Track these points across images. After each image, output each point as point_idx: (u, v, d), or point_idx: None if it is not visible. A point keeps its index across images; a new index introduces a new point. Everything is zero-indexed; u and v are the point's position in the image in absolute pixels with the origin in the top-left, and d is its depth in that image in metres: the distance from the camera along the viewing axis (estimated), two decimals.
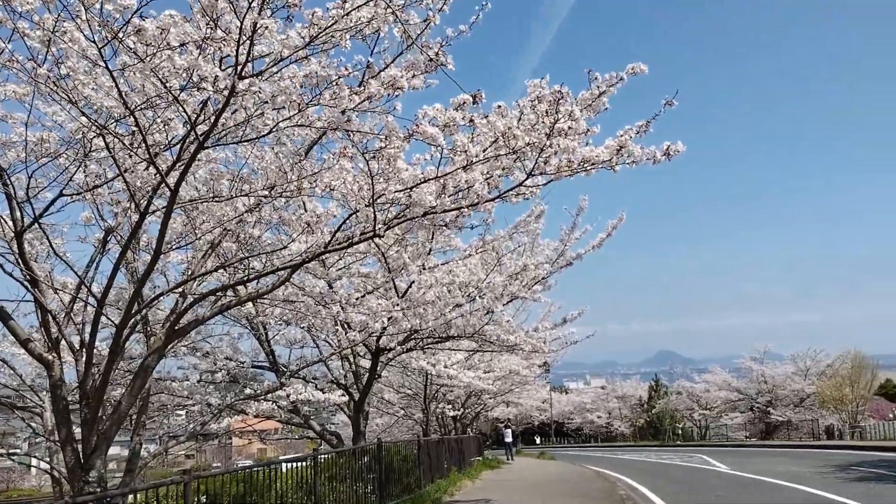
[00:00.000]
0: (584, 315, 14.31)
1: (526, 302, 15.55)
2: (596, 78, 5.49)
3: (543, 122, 4.80)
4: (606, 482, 20.56)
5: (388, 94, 4.63)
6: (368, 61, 4.49)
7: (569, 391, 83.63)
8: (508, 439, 36.46)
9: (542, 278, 12.41)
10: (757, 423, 49.77)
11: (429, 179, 5.32)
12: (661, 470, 25.52)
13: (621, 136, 5.05)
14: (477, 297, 10.44)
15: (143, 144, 4.92)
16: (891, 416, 41.54)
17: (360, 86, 4.53)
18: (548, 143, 4.88)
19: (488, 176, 5.36)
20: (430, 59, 4.45)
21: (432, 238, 10.59)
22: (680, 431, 56.36)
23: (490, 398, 34.30)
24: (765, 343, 50.88)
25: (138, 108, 4.97)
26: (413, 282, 10.37)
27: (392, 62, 5.18)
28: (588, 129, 4.95)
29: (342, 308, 8.93)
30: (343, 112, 4.66)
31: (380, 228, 5.61)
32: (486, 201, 5.34)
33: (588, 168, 5.10)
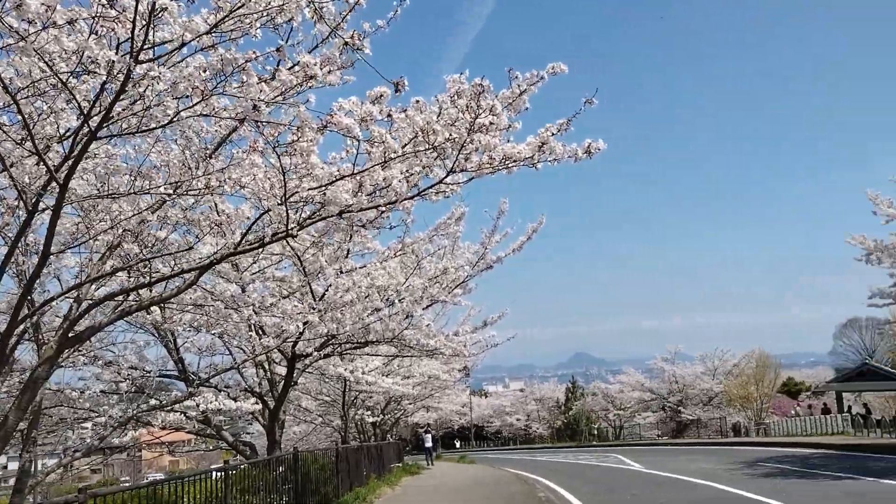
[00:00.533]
0: (504, 318, 14.30)
1: (446, 306, 15.43)
2: (516, 77, 5.39)
3: (464, 117, 4.64)
4: (525, 485, 20.63)
5: (301, 86, 4.36)
6: (279, 44, 4.20)
7: (488, 394, 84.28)
8: (428, 444, 36.34)
9: (463, 281, 12.30)
10: (668, 422, 51.29)
11: (345, 176, 5.07)
12: (578, 471, 25.86)
13: (543, 133, 4.94)
14: (396, 301, 10.21)
15: (30, 136, 4.49)
16: (792, 412, 43.49)
17: (272, 79, 4.25)
18: (468, 139, 4.73)
19: (408, 174, 5.16)
20: (346, 44, 4.20)
21: (350, 240, 10.31)
22: (596, 432, 57.50)
23: (410, 403, 34.08)
24: (675, 344, 52.62)
25: (24, 95, 4.53)
26: (330, 285, 10.06)
27: (309, 53, 4.93)
28: (510, 126, 4.82)
29: (255, 312, 8.55)
30: (254, 105, 4.36)
31: (293, 228, 5.32)
32: (405, 199, 5.13)
33: (510, 165, 4.97)
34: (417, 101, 5.14)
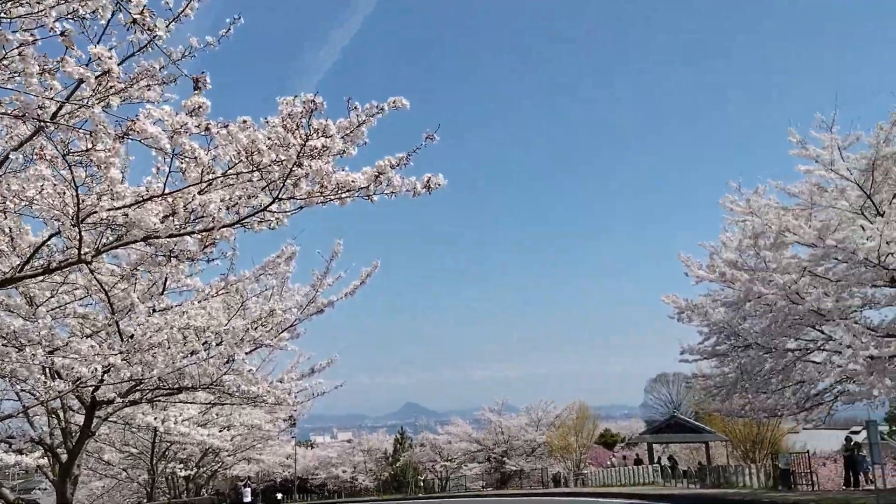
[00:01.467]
0: (334, 365, 13.69)
1: (272, 351, 14.59)
2: (356, 107, 5.04)
3: (294, 137, 4.19)
4: None
5: (101, 86, 3.74)
6: (64, 29, 3.56)
7: (315, 445, 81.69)
8: (247, 499, 34.38)
9: (291, 325, 11.60)
10: (493, 472, 51.90)
11: (153, 197, 4.44)
12: None
13: (380, 164, 4.59)
14: (214, 344, 9.36)
15: None
16: (608, 462, 45.45)
17: (56, 71, 3.59)
18: (298, 162, 4.28)
19: (229, 200, 4.59)
20: (134, 21, 3.65)
21: (166, 281, 9.43)
22: (422, 483, 57.06)
23: (229, 455, 32.03)
24: (503, 396, 53.62)
25: None
26: (140, 324, 9.06)
27: (124, 61, 4.30)
28: (343, 151, 4.42)
29: (48, 352, 7.45)
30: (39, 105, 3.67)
31: (86, 254, 4.57)
32: (224, 226, 4.56)
33: (343, 196, 4.57)
34: (245, 121, 4.64)
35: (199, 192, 4.37)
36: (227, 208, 4.44)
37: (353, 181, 4.49)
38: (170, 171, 4.34)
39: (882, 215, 17.34)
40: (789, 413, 21.19)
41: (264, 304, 10.83)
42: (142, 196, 4.45)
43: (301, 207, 4.66)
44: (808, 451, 27.89)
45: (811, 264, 17.81)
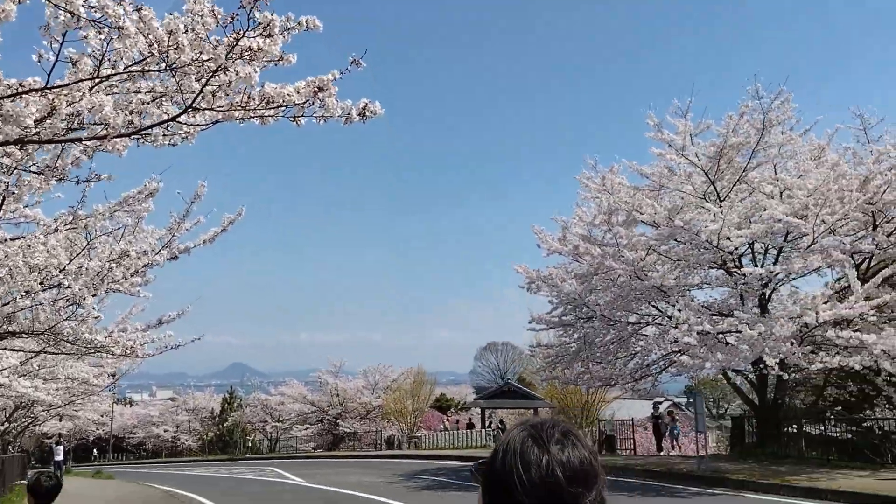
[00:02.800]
0: (185, 317, 12.73)
1: (104, 300, 13.30)
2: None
3: (224, 31, 3.52)
4: (179, 503, 18.76)
5: None
6: None
7: (133, 403, 77.54)
8: (59, 457, 31.81)
9: (143, 269, 10.55)
10: (325, 434, 51.59)
11: (32, 90, 3.61)
12: (235, 485, 24.36)
13: (322, 78, 3.99)
14: (65, 283, 8.25)
15: None
16: (441, 426, 46.45)
17: None
18: (224, 66, 3.62)
19: (130, 107, 3.83)
20: None
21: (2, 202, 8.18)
22: (250, 444, 55.74)
23: (44, 411, 29.44)
24: (340, 358, 53.24)
25: None
26: None
27: None
28: (282, 57, 3.80)
29: None
30: None
31: None
32: (119, 136, 3.81)
33: (266, 114, 3.95)
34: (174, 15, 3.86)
35: (91, 88, 3.60)
36: (127, 114, 3.69)
37: (287, 95, 3.89)
38: (56, 61, 3.53)
39: (723, 201, 18.56)
40: (624, 382, 22.46)
41: (115, 244, 9.73)
42: (14, 89, 3.60)
43: (217, 122, 3.99)
44: (632, 419, 29.82)
45: (657, 243, 18.77)
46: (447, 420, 49.09)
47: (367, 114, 4.16)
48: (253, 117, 3.95)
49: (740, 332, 16.66)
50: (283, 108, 3.98)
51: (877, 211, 17.61)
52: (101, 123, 3.68)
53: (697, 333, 16.50)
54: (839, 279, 23.31)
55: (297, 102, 3.92)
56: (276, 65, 3.79)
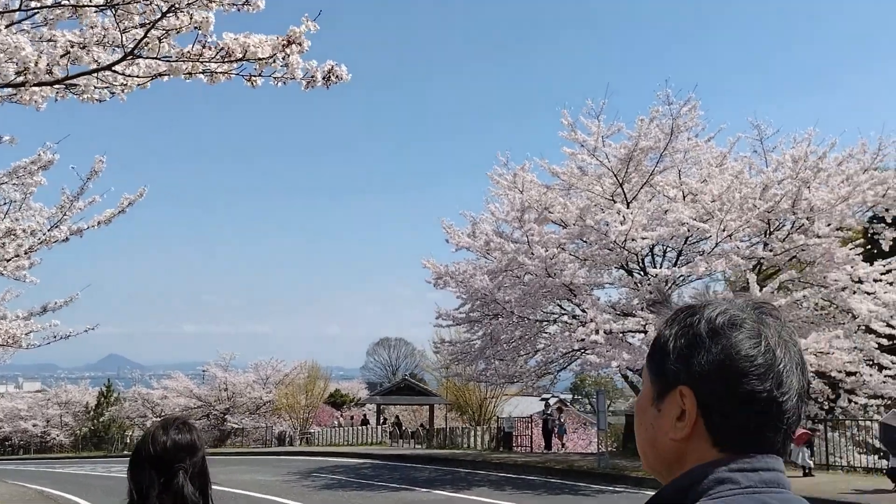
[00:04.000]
0: (72, 305, 11.65)
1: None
2: None
3: None
4: None
5: None
6: None
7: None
8: None
9: (28, 251, 9.51)
10: (212, 430, 49.60)
11: None
12: (115, 485, 22.82)
13: (294, 30, 3.44)
14: None
15: None
16: (335, 423, 45.54)
17: None
18: (175, 6, 3.02)
19: (57, 51, 3.16)
20: None
21: None
22: (128, 440, 52.91)
23: None
24: (231, 351, 51.27)
25: None
26: None
27: None
28: (248, 1, 3.22)
29: None
30: None
31: None
32: (41, 84, 3.14)
33: (218, 70, 3.38)
34: None
35: (6, 28, 2.91)
36: (51, 59, 3.03)
37: (253, 48, 3.30)
38: None
39: (630, 203, 18.88)
40: (528, 380, 22.55)
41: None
42: None
43: (159, 75, 3.36)
44: (530, 417, 30.12)
45: (567, 241, 18.90)
46: (341, 416, 48.22)
47: (333, 78, 3.65)
48: (203, 72, 3.37)
49: (646, 331, 16.98)
50: (240, 64, 3.42)
51: (772, 219, 18.35)
52: (20, 71, 3.01)
53: (605, 332, 16.69)
54: (732, 282, 24.33)
55: (261, 57, 3.36)
56: (239, 10, 3.24)
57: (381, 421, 43.22)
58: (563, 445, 27.79)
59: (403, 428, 38.40)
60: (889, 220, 19.17)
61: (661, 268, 18.79)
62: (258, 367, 49.69)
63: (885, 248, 18.98)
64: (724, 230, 16.93)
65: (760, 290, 16.31)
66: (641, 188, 19.36)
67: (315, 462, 27.43)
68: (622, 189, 19.28)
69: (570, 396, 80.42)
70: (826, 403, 19.25)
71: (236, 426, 46.87)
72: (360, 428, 40.06)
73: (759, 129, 19.90)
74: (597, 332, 16.76)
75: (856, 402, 18.35)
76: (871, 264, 18.84)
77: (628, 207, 18.10)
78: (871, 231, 19.23)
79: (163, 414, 51.46)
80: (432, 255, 22.27)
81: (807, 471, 15.69)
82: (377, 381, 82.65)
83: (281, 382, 48.33)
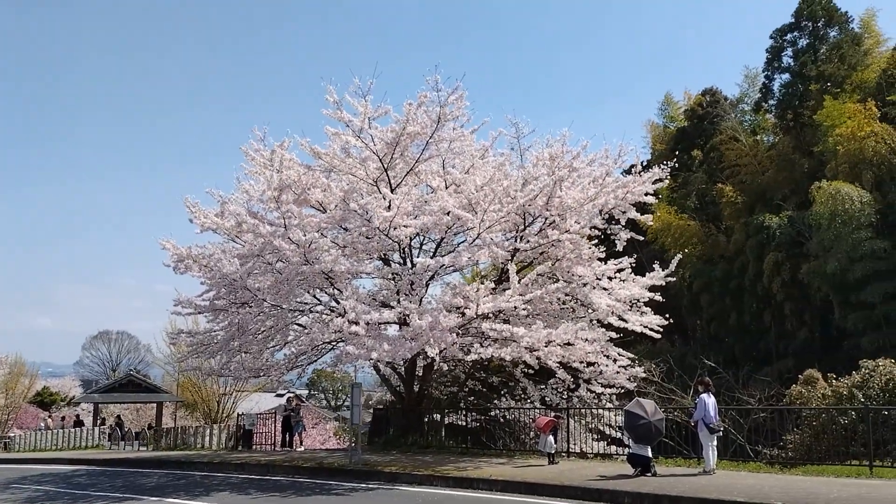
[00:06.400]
0: None
1: None
2: None
3: None
4: None
5: None
6: None
7: None
8: None
9: None
10: None
11: None
12: None
13: None
14: None
15: None
16: (42, 425, 39.88)
17: None
18: None
19: None
20: None
21: None
22: None
23: None
24: None
25: None
26: None
27: None
28: None
29: None
30: None
31: None
32: None
33: None
34: None
35: None
36: None
37: None
38: None
39: (394, 190, 18.29)
40: (277, 373, 21.04)
41: None
42: None
43: None
44: (274, 413, 28.47)
45: (329, 226, 17.85)
46: (49, 417, 42.36)
47: None
48: None
49: (407, 322, 16.46)
50: None
51: (527, 214, 18.79)
52: None
53: (365, 323, 15.88)
54: (482, 276, 24.89)
55: None
56: None
57: (100, 422, 38.65)
58: (300, 442, 26.58)
59: (126, 429, 34.54)
60: (623, 223, 20.62)
61: (416, 258, 18.43)
62: None
63: (620, 248, 20.37)
64: (485, 221, 16.95)
65: (519, 281, 16.55)
66: (406, 175, 18.86)
67: (16, 471, 23.43)
68: (387, 175, 18.62)
69: (307, 392, 79.25)
70: (566, 393, 20.25)
71: None
72: (72, 430, 35.28)
73: (517, 126, 20.36)
74: (356, 322, 15.89)
75: (592, 391, 19.46)
76: (606, 262, 20.18)
77: (393, 193, 17.49)
78: (609, 231, 20.54)
79: None
80: (172, 237, 19.92)
81: (551, 458, 16.16)
82: (94, 378, 74.79)
83: None
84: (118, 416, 38.60)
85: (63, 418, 42.06)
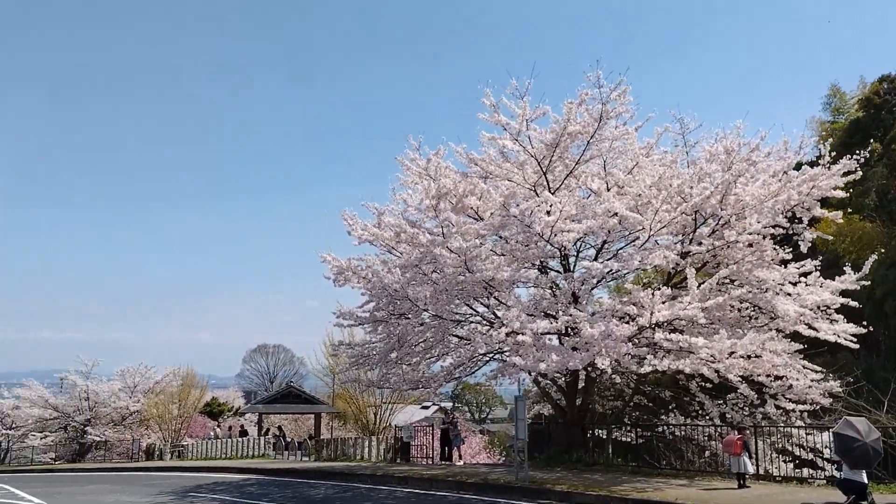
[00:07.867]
0: None
1: None
2: None
3: None
4: None
5: None
6: None
7: None
8: None
9: None
10: (70, 443, 44.73)
11: None
12: None
13: None
14: None
15: None
16: (211, 434, 41.96)
17: None
18: None
19: None
20: None
21: None
22: None
23: None
24: (94, 358, 46.37)
25: None
26: None
27: None
28: None
29: None
30: None
31: None
32: None
33: None
34: None
35: None
36: None
37: None
38: None
39: (554, 194, 17.43)
40: (436, 385, 20.68)
41: None
42: None
43: None
44: (431, 425, 28.23)
45: (487, 233, 17.25)
46: (218, 426, 44.55)
47: None
48: None
49: (569, 333, 15.52)
50: None
51: (698, 214, 17.36)
52: None
53: (532, 333, 15.09)
54: (644, 282, 23.41)
55: None
56: None
57: (264, 431, 40.14)
58: (459, 456, 26.05)
59: (289, 439, 35.56)
60: (807, 221, 18.68)
61: (584, 263, 17.43)
62: (125, 373, 45.24)
63: (804, 249, 18.44)
64: (659, 221, 15.74)
65: (699, 286, 15.19)
66: (566, 178, 17.97)
67: (191, 479, 24.42)
68: (545, 178, 17.81)
69: (451, 405, 79.32)
70: (748, 409, 18.49)
71: (98, 439, 42.38)
72: (239, 440, 36.80)
73: (681, 122, 19.00)
74: (521, 332, 15.13)
75: (781, 407, 17.62)
76: (786, 266, 18.32)
77: (564, 194, 16.63)
78: (792, 231, 18.64)
79: (14, 426, 45.98)
80: (331, 250, 20.04)
81: (742, 481, 14.64)
82: (253, 390, 78.59)
83: (151, 391, 44.23)
84: (280, 427, 39.91)
85: (230, 428, 44.12)
